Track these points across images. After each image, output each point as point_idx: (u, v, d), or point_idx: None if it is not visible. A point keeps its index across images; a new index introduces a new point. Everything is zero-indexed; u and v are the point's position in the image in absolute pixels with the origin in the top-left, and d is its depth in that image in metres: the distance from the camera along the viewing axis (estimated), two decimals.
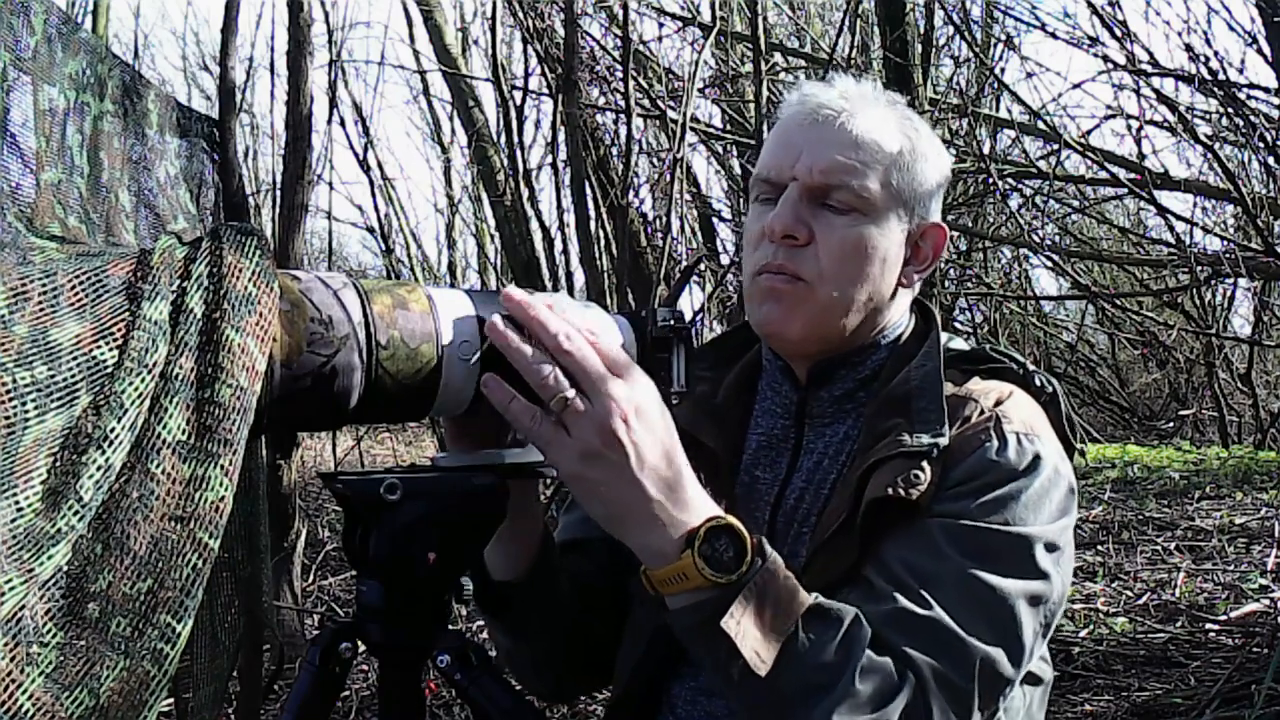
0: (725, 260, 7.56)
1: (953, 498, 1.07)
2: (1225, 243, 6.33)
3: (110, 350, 0.73)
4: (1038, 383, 1.19)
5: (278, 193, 3.98)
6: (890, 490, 1.06)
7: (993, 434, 1.10)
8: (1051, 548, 1.07)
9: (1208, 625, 3.63)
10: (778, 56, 7.11)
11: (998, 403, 1.13)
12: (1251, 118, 5.73)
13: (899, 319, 1.24)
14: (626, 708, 1.21)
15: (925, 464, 1.07)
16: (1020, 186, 6.82)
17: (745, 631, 0.95)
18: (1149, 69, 5.83)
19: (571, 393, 0.92)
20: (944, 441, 1.08)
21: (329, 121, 6.99)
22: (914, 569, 1.04)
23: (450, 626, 0.98)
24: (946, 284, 7.53)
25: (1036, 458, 1.09)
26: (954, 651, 1.00)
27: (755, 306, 1.19)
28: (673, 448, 0.97)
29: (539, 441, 0.94)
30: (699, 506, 0.97)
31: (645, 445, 0.94)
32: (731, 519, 0.97)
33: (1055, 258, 7.51)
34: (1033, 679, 1.18)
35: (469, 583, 0.98)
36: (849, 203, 1.15)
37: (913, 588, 1.03)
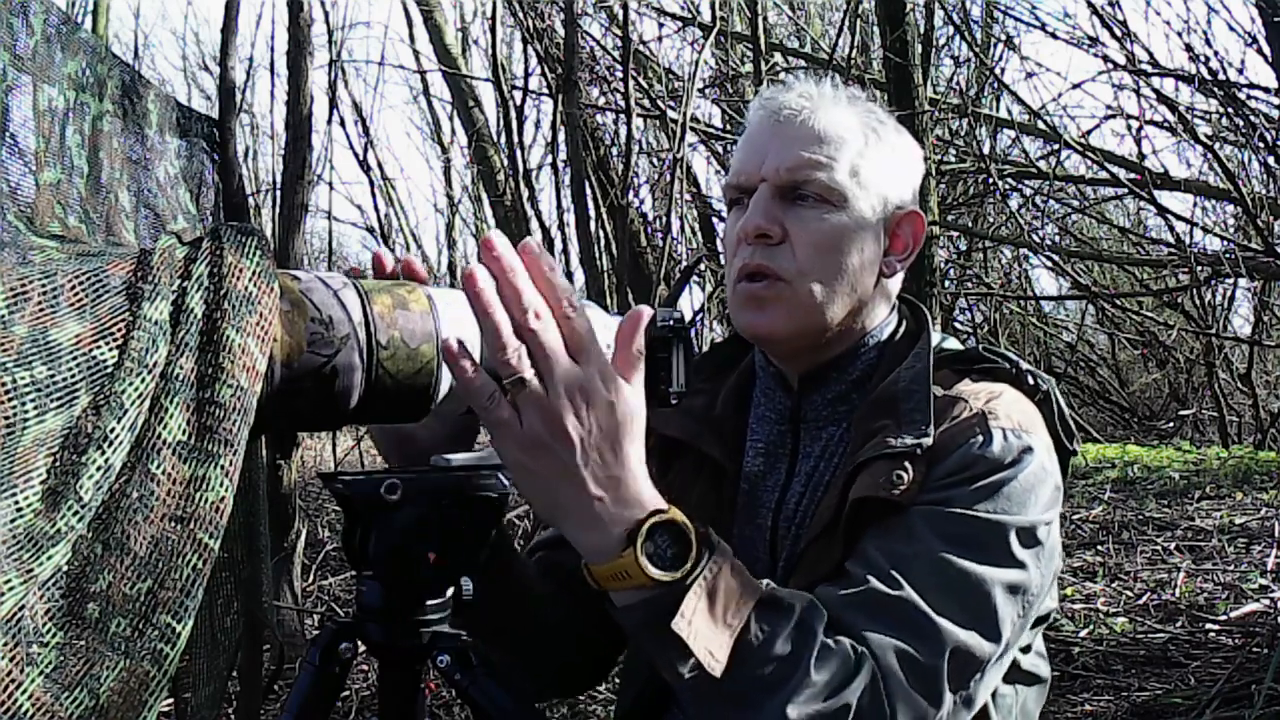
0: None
1: (936, 489, 1.07)
2: (1225, 243, 6.33)
3: (110, 350, 0.73)
4: (1031, 382, 1.18)
5: (278, 193, 3.98)
6: (872, 491, 1.07)
7: (978, 430, 1.10)
8: (1030, 540, 1.06)
9: (1208, 625, 3.64)
10: (778, 56, 7.11)
11: (987, 402, 1.14)
12: (1251, 118, 5.74)
13: (885, 313, 1.24)
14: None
15: (908, 464, 1.07)
16: (1020, 186, 6.83)
17: (697, 631, 0.91)
18: (1149, 69, 5.84)
19: (530, 373, 0.86)
20: (928, 441, 1.09)
21: (329, 121, 7.03)
22: (888, 552, 1.04)
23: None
24: (946, 284, 7.53)
25: (1023, 451, 1.08)
26: (921, 630, 0.99)
27: (739, 314, 1.20)
28: (621, 440, 0.89)
29: (489, 422, 0.89)
30: (643, 500, 0.91)
31: (592, 438, 0.88)
32: (675, 512, 0.92)
33: (1055, 258, 7.52)
34: (1030, 678, 1.17)
35: (469, 583, 0.98)
36: (819, 195, 1.16)
37: (884, 569, 1.02)
